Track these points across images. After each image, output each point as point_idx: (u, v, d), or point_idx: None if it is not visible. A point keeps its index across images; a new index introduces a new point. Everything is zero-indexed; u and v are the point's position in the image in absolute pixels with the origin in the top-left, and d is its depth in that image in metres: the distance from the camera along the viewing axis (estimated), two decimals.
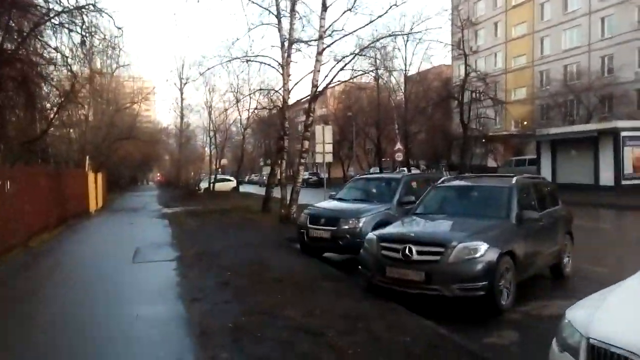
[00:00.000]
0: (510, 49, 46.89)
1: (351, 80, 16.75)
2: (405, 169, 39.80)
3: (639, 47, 33.98)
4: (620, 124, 22.68)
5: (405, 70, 42.59)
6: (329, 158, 17.22)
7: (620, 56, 35.23)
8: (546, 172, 24.74)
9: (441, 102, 42.33)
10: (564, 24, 40.65)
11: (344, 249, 8.70)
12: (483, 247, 5.58)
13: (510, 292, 5.82)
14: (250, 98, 26.24)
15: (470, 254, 5.56)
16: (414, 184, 9.82)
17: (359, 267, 6.52)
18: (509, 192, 6.76)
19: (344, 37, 12.95)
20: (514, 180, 7.11)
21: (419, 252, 5.75)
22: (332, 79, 13.07)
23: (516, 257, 5.97)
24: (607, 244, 11.23)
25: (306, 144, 13.32)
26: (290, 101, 15.40)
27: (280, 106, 15.32)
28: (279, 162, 15.94)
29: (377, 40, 13.46)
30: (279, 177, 17.57)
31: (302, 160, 13.42)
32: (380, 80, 42.23)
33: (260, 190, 38.26)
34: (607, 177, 22.16)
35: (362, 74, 17.25)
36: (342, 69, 12.91)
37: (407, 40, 39.99)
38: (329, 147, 16.68)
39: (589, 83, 34.51)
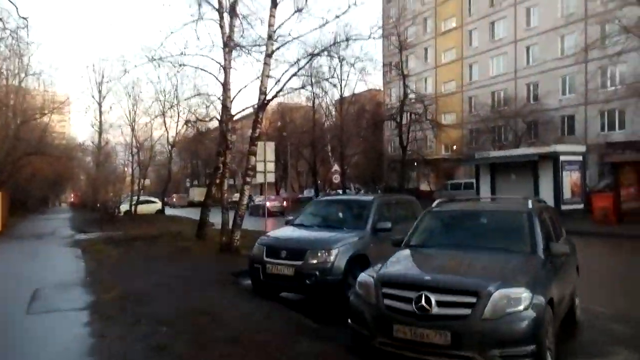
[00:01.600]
0: (440, 74, 47.99)
1: (304, 88, 15.32)
2: (341, 190, 38.94)
3: (562, 75, 35.61)
4: (560, 148, 22.95)
5: (341, 90, 42.13)
6: (270, 178, 15.53)
7: (545, 84, 36.78)
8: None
9: (376, 125, 42.13)
10: (491, 51, 42.13)
11: (311, 289, 6.97)
12: (526, 295, 4.13)
13: (553, 354, 4.42)
14: (180, 111, 23.88)
15: (512, 306, 4.08)
16: (386, 208, 8.37)
17: (349, 320, 4.84)
18: (528, 218, 5.41)
19: (297, 38, 11.51)
20: (529, 203, 5.82)
21: (440, 304, 4.20)
22: (284, 86, 11.50)
23: (554, 306, 4.61)
24: (583, 275, 10.35)
25: (252, 159, 11.53)
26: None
27: (219, 118, 13.43)
28: (217, 181, 13.94)
29: (335, 43, 12.12)
30: (213, 199, 15.65)
31: (248, 180, 11.60)
32: (315, 99, 41.51)
33: (185, 212, 35.53)
34: (547, 201, 22.14)
35: (316, 82, 15.96)
36: (294, 74, 11.42)
37: (343, 60, 39.76)
38: (271, 166, 15.04)
39: (516, 109, 35.61)
